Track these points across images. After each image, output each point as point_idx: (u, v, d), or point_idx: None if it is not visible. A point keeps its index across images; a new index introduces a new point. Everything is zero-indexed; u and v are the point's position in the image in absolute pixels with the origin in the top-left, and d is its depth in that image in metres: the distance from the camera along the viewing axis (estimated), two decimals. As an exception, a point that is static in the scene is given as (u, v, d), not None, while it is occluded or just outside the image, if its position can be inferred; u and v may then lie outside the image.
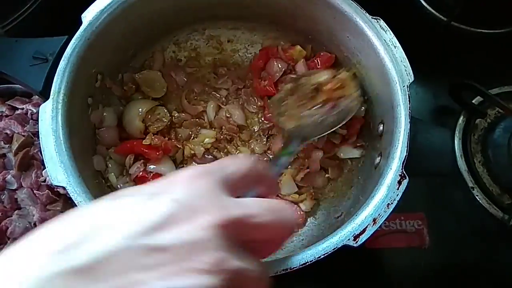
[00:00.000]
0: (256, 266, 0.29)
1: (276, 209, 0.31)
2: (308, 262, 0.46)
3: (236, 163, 0.33)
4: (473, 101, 0.78)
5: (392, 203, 0.49)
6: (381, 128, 0.60)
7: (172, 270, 0.24)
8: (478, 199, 0.73)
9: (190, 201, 0.27)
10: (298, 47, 0.71)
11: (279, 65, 0.72)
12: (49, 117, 0.53)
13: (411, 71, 0.55)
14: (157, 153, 0.66)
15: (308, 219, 0.67)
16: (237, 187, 0.32)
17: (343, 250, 0.48)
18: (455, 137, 0.76)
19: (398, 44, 0.57)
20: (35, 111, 0.70)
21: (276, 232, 0.31)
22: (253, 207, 0.30)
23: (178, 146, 0.70)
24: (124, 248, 0.24)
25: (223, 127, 0.71)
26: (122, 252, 0.23)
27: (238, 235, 0.28)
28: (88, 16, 0.58)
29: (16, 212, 0.66)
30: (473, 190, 0.73)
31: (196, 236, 0.26)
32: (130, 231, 0.24)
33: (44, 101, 0.54)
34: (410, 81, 0.55)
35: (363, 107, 0.65)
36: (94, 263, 0.23)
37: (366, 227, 0.48)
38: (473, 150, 0.76)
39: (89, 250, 0.23)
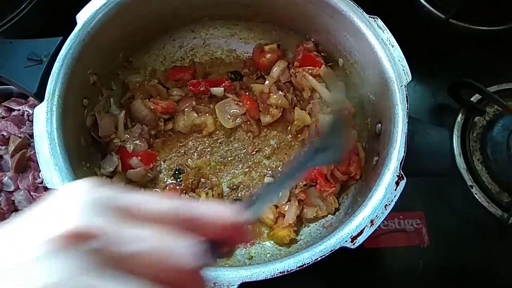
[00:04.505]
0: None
1: (157, 236, 0.23)
2: (305, 264, 0.46)
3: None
4: (472, 99, 0.77)
5: (389, 204, 0.49)
6: (378, 127, 0.60)
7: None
8: (477, 198, 0.72)
9: (51, 215, 0.23)
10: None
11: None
12: (44, 119, 0.52)
13: (409, 70, 0.55)
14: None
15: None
16: (133, 216, 0.24)
17: (342, 250, 0.48)
18: (454, 135, 0.76)
19: (395, 43, 0.57)
20: (31, 112, 0.70)
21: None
22: (131, 229, 0.23)
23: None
24: None
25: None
26: None
27: (97, 254, 0.22)
28: (82, 17, 0.57)
29: (13, 214, 0.66)
30: (472, 188, 0.73)
31: (35, 253, 0.21)
32: None
33: (39, 103, 0.54)
34: (408, 81, 0.55)
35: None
36: None
37: (364, 228, 0.48)
38: (471, 148, 0.76)
39: None
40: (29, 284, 0.20)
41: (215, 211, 0.26)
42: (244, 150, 0.71)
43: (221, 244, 0.27)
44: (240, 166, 0.70)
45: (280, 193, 0.44)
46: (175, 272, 0.23)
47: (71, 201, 0.23)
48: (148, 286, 0.22)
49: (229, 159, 0.71)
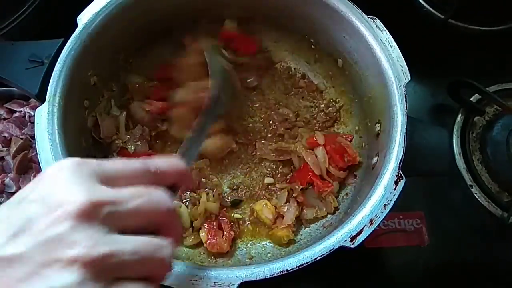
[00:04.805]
0: (136, 245, 0.28)
1: (142, 193, 0.30)
2: (304, 263, 0.46)
3: (118, 162, 0.32)
4: (471, 99, 0.77)
5: (388, 204, 0.49)
6: (377, 128, 0.60)
7: (29, 274, 0.24)
8: (477, 197, 0.72)
9: (53, 194, 0.27)
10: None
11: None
12: (45, 120, 0.53)
13: (408, 70, 0.56)
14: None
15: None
16: (115, 180, 0.30)
17: (342, 250, 0.48)
18: (453, 135, 0.76)
19: (394, 44, 0.57)
20: (33, 113, 0.70)
21: (147, 213, 0.31)
22: (122, 192, 0.29)
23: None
24: None
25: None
26: None
27: (106, 220, 0.27)
28: (83, 18, 0.58)
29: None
30: (472, 188, 0.73)
31: (54, 231, 0.25)
32: None
33: (40, 104, 0.54)
34: (407, 81, 0.55)
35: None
36: None
37: (363, 228, 0.48)
38: (471, 148, 0.76)
39: None
40: (68, 253, 0.24)
41: (168, 162, 0.35)
42: (245, 151, 0.72)
43: (176, 189, 0.37)
44: (240, 167, 0.71)
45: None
46: (160, 212, 0.31)
47: (67, 179, 0.27)
48: (142, 240, 0.28)
49: (230, 159, 0.71)
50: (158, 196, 0.31)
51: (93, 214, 0.26)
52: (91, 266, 0.24)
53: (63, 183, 0.27)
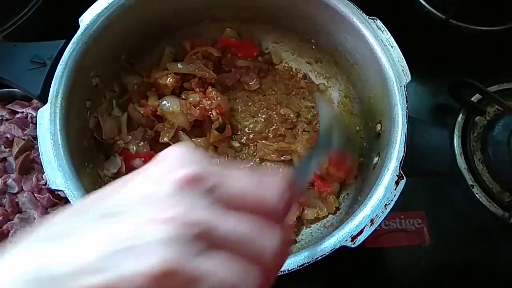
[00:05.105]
0: (238, 220, 0.26)
1: (254, 176, 0.28)
2: (305, 263, 0.46)
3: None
4: (472, 99, 0.77)
5: (389, 204, 0.49)
6: (378, 128, 0.60)
7: (124, 231, 0.25)
8: (478, 197, 0.72)
9: (161, 166, 0.28)
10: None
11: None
12: (47, 121, 0.53)
13: (408, 71, 0.55)
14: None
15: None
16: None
17: (343, 250, 0.48)
18: (454, 135, 0.76)
19: (395, 44, 0.57)
20: (35, 114, 0.70)
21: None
22: (232, 172, 0.28)
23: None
24: (84, 220, 0.26)
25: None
26: (84, 224, 0.26)
27: (211, 192, 0.26)
28: (85, 19, 0.58)
29: (17, 215, 0.66)
30: (473, 188, 0.73)
31: (157, 192, 0.26)
32: (89, 207, 0.27)
33: (43, 105, 0.55)
34: (407, 81, 0.55)
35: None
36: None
37: (364, 228, 0.48)
38: (472, 148, 0.76)
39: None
40: (162, 213, 0.25)
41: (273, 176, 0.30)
42: (245, 151, 0.72)
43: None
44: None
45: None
46: (270, 200, 0.28)
47: (182, 155, 0.28)
48: (248, 217, 0.27)
49: (231, 159, 0.71)
50: (270, 182, 0.29)
51: (197, 183, 0.26)
52: (185, 228, 0.25)
53: (171, 159, 0.28)
